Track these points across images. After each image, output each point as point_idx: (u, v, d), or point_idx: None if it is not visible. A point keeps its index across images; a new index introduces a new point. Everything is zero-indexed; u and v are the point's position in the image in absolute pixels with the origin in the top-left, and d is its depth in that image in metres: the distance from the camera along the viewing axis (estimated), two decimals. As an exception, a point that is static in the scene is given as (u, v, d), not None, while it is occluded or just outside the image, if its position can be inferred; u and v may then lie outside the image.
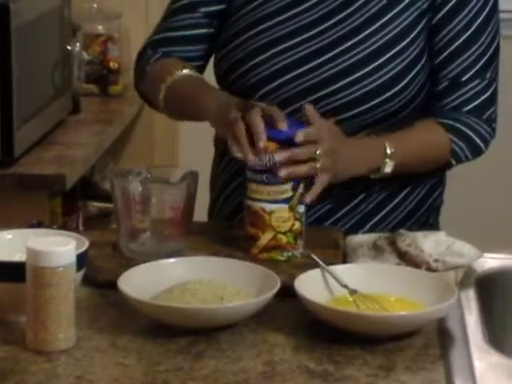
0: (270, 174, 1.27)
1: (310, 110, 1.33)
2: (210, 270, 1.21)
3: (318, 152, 1.29)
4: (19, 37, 1.91)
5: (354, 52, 1.41)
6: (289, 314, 1.17)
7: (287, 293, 1.16)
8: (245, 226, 1.30)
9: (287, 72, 1.42)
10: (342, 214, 1.46)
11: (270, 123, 1.28)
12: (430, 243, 1.27)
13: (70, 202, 2.15)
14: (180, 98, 1.45)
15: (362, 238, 1.33)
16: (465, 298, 1.22)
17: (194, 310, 1.12)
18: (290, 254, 1.29)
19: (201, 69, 1.52)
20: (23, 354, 1.08)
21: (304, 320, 1.15)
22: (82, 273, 1.16)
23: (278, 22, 1.43)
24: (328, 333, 1.12)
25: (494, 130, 1.48)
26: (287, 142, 1.27)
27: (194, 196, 1.31)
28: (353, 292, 1.17)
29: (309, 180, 1.30)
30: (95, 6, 2.59)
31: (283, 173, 1.26)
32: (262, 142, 1.25)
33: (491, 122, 1.47)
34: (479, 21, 1.44)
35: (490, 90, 1.46)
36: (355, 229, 1.44)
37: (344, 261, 1.30)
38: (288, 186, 1.28)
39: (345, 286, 1.18)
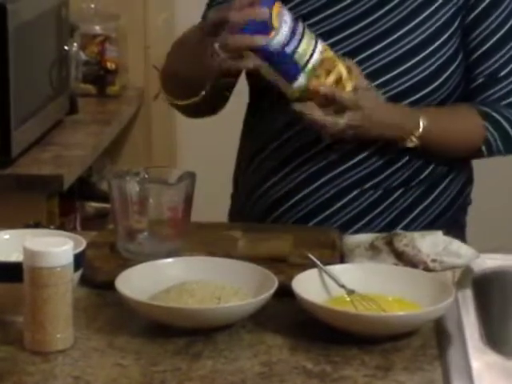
0: None
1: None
2: (207, 271, 1.21)
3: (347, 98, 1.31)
4: (16, 37, 1.91)
5: (389, 51, 1.43)
6: (286, 314, 1.17)
7: (285, 293, 1.16)
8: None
9: None
10: (377, 213, 1.47)
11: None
12: (427, 243, 1.27)
13: (67, 203, 2.15)
14: (171, 71, 1.51)
15: (359, 238, 1.33)
16: (462, 298, 1.22)
17: (192, 311, 1.12)
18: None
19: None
20: (21, 355, 1.08)
21: (301, 320, 1.15)
22: (79, 273, 1.16)
23: (313, 23, 1.43)
24: (325, 333, 1.12)
25: None
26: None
27: (191, 196, 1.31)
28: (350, 292, 1.17)
29: None
30: (93, 6, 2.59)
31: (297, 107, 1.27)
32: None
33: None
34: None
35: None
36: (390, 227, 1.44)
37: (341, 261, 1.30)
38: None
39: (342, 286, 1.18)
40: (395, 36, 1.43)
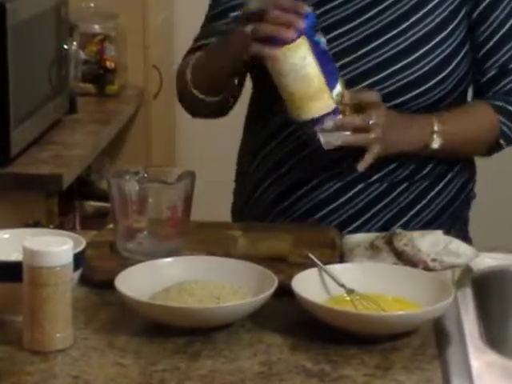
0: None
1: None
2: (206, 270, 1.20)
3: (372, 122, 1.32)
4: (15, 36, 1.91)
5: (392, 45, 1.43)
6: (286, 313, 1.17)
7: (284, 292, 1.15)
8: None
9: None
10: (381, 206, 1.47)
11: None
12: (427, 243, 1.27)
13: (66, 202, 2.15)
14: (201, 65, 1.47)
15: (359, 238, 1.33)
16: (462, 297, 1.22)
17: (191, 310, 1.12)
18: None
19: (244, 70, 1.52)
20: (20, 354, 1.07)
21: (301, 320, 1.15)
22: (78, 272, 1.16)
23: (317, 16, 1.41)
24: (325, 332, 1.12)
25: None
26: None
27: (191, 196, 1.31)
28: (350, 291, 1.17)
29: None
30: (92, 5, 2.59)
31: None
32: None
33: None
34: None
35: None
36: (394, 220, 1.45)
37: (341, 260, 1.30)
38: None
39: (342, 286, 1.18)
40: (398, 30, 1.43)
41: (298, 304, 1.15)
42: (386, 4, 1.44)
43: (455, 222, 1.49)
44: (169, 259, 1.24)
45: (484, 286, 1.28)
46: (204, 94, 1.50)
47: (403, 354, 1.09)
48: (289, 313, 1.17)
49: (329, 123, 1.32)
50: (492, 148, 1.50)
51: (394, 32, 1.43)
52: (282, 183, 1.50)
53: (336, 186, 1.47)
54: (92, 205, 2.34)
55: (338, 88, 1.34)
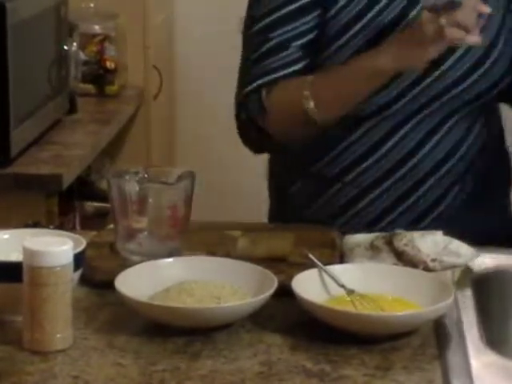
0: None
1: None
2: (206, 270, 1.20)
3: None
4: (15, 36, 1.91)
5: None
6: (286, 313, 1.17)
7: (284, 293, 1.16)
8: None
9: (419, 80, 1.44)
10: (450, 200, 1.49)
11: None
12: (427, 243, 1.27)
13: (66, 202, 2.15)
14: (333, 88, 1.42)
15: (359, 238, 1.33)
16: (462, 297, 1.22)
17: (191, 310, 1.12)
18: None
19: None
20: (19, 354, 1.07)
21: (301, 320, 1.15)
22: (78, 273, 1.16)
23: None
24: (325, 333, 1.12)
25: None
26: None
27: (191, 196, 1.31)
28: (350, 292, 1.17)
29: None
30: (92, 5, 2.59)
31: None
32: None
33: None
34: None
35: None
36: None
37: (341, 261, 1.30)
38: None
39: (342, 286, 1.18)
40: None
41: (298, 304, 1.15)
42: None
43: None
44: (169, 259, 1.24)
45: (484, 287, 1.28)
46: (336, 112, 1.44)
47: (403, 355, 1.09)
48: (289, 313, 1.17)
49: None
50: None
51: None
52: (343, 196, 1.50)
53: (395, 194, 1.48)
54: (92, 205, 2.34)
55: None
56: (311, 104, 1.41)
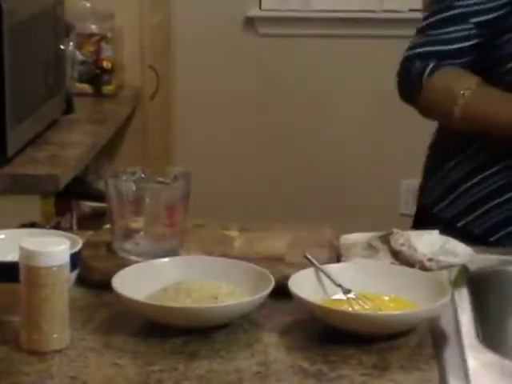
0: None
1: None
2: (204, 270, 1.20)
3: None
4: (12, 36, 1.91)
5: None
6: (283, 313, 1.17)
7: (281, 292, 1.16)
8: None
9: None
10: None
11: None
12: (423, 242, 1.27)
13: (63, 202, 2.15)
14: (477, 116, 1.45)
15: (356, 238, 1.33)
16: (458, 297, 1.22)
17: (188, 310, 1.12)
18: None
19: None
20: (17, 355, 1.07)
21: (298, 319, 1.15)
22: (75, 273, 1.16)
23: None
24: (322, 332, 1.12)
25: None
26: None
27: (187, 196, 1.31)
28: (347, 291, 1.18)
29: None
30: (88, 5, 2.58)
31: None
32: None
33: None
34: None
35: None
36: None
37: (338, 260, 1.30)
38: None
39: (339, 286, 1.18)
40: None
41: (295, 304, 1.15)
42: None
43: None
44: (166, 259, 1.24)
45: (480, 286, 1.28)
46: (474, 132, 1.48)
47: (400, 354, 1.09)
48: (286, 313, 1.17)
49: None
50: None
51: None
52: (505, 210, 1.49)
53: None
54: (89, 205, 2.34)
55: None
56: (458, 114, 1.45)
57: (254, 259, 1.25)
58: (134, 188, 1.28)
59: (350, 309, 1.14)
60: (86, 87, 2.53)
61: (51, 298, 1.07)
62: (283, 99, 3.16)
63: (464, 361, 1.07)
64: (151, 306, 1.12)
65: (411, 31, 1.56)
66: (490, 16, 1.47)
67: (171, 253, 1.27)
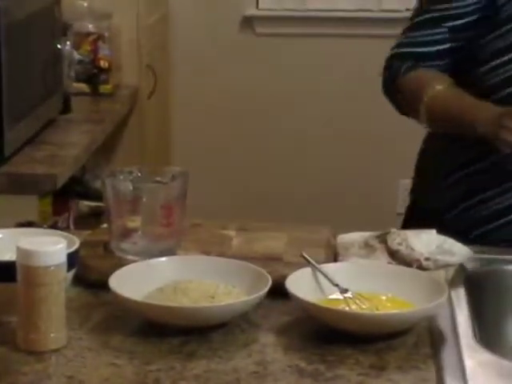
0: None
1: None
2: (201, 269, 1.20)
3: None
4: (9, 36, 1.91)
5: None
6: (280, 313, 1.17)
7: (279, 292, 1.16)
8: None
9: None
10: None
11: None
12: (420, 242, 1.27)
13: (60, 201, 2.15)
14: (442, 114, 1.46)
15: (353, 237, 1.33)
16: (455, 296, 1.22)
17: (186, 309, 1.12)
18: None
19: None
20: (14, 355, 1.07)
21: (295, 319, 1.15)
22: (72, 272, 1.16)
23: None
24: (319, 332, 1.12)
25: None
26: None
27: (185, 195, 1.30)
28: (344, 291, 1.18)
29: None
30: (86, 4, 2.58)
31: None
32: None
33: None
34: None
35: None
36: None
37: (335, 259, 1.30)
38: None
39: (336, 285, 1.18)
40: None
41: (292, 303, 1.15)
42: None
43: None
44: (163, 259, 1.23)
45: (478, 285, 1.29)
46: (438, 130, 1.51)
47: (398, 354, 1.09)
48: (283, 312, 1.17)
49: None
50: None
51: None
52: (488, 206, 1.49)
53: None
54: (86, 204, 2.34)
55: None
56: (423, 111, 1.46)
57: (251, 259, 1.25)
58: (132, 187, 1.28)
59: (347, 308, 1.14)
60: (83, 86, 2.53)
61: (48, 297, 1.07)
62: (281, 98, 3.16)
63: (461, 360, 1.07)
64: (148, 306, 1.12)
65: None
66: (464, 21, 1.48)
67: (169, 252, 1.27)
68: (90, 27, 2.55)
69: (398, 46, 1.54)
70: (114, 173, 1.32)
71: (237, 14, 3.12)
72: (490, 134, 1.39)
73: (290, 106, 3.17)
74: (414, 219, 1.59)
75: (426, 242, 1.28)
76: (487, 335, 1.18)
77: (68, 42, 2.37)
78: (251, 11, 3.14)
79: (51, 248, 1.07)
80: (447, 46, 1.50)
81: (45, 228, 1.47)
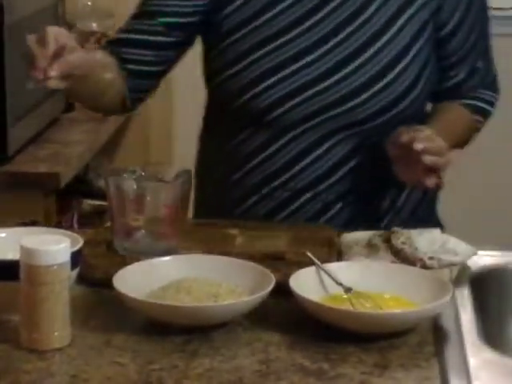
0: None
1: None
2: (204, 268, 1.20)
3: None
4: (12, 34, 1.91)
5: (369, 66, 1.43)
6: (283, 312, 1.17)
7: (282, 291, 1.15)
8: None
9: (300, 92, 1.43)
10: (364, 215, 1.49)
11: None
12: (424, 241, 1.27)
13: (64, 200, 2.15)
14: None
15: (356, 236, 1.33)
16: (459, 295, 1.22)
17: (189, 308, 1.12)
18: None
19: (160, 74, 1.53)
20: (17, 353, 1.07)
21: (299, 318, 1.15)
22: (76, 271, 1.16)
23: (285, 42, 1.43)
24: (323, 331, 1.12)
25: (499, 93, 1.59)
26: None
27: (188, 194, 1.30)
28: (348, 290, 1.17)
29: None
30: (89, 3, 2.58)
31: (428, 159, 1.30)
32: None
33: (499, 89, 1.59)
34: (480, 23, 1.52)
35: (493, 67, 1.57)
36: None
37: (339, 258, 1.30)
38: None
39: (340, 284, 1.18)
40: (368, 54, 1.43)
41: (295, 302, 1.15)
42: (351, 29, 1.43)
43: (428, 215, 1.55)
44: (166, 258, 1.23)
45: (482, 284, 1.28)
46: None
47: (401, 352, 1.09)
48: (286, 311, 1.17)
49: None
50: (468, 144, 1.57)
51: (364, 56, 1.43)
52: (250, 179, 1.49)
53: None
54: (90, 203, 2.34)
55: None
56: None
57: (254, 258, 1.25)
58: (135, 186, 1.28)
59: (351, 307, 1.14)
60: (86, 85, 2.53)
61: (51, 296, 1.07)
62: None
63: (465, 359, 1.07)
64: (152, 305, 1.12)
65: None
66: (184, 20, 1.48)
67: (172, 251, 1.27)
68: (94, 26, 2.55)
69: (119, 31, 1.55)
70: (118, 171, 1.32)
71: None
72: None
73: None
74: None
75: (429, 241, 1.27)
76: (491, 334, 1.18)
77: (71, 41, 2.37)
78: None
79: (54, 247, 1.07)
80: (159, 38, 1.48)
81: (48, 227, 1.45)
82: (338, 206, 1.48)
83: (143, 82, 1.52)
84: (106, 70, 1.46)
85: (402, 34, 1.44)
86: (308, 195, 1.47)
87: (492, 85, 1.57)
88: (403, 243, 1.27)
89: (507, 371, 1.06)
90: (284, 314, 1.17)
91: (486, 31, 1.54)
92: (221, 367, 1.05)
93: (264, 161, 1.48)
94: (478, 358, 1.07)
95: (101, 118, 2.36)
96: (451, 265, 1.27)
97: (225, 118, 1.51)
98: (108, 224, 1.35)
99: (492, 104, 1.56)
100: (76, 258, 1.14)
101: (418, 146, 1.31)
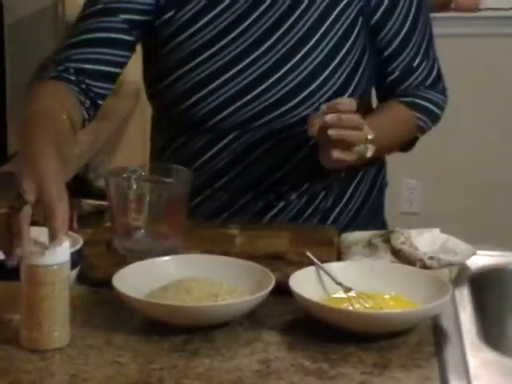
0: None
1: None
2: (204, 268, 1.21)
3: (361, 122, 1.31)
4: (13, 34, 1.91)
5: (297, 71, 1.42)
6: (283, 311, 1.17)
7: (282, 290, 1.16)
8: None
9: (236, 100, 1.43)
10: (308, 215, 1.49)
11: None
12: (424, 241, 1.27)
13: (64, 200, 2.15)
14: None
15: (356, 236, 1.33)
16: (459, 295, 1.22)
17: (189, 308, 1.12)
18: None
19: (114, 76, 1.49)
20: (17, 353, 1.07)
21: (299, 318, 1.15)
22: (76, 271, 1.16)
23: (216, 52, 1.43)
24: (323, 331, 1.12)
25: (447, 97, 1.56)
26: None
27: (188, 194, 1.31)
28: (347, 290, 1.18)
29: None
30: (89, 3, 2.58)
31: (333, 132, 1.27)
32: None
33: (444, 91, 1.56)
34: (413, 12, 1.49)
35: (436, 66, 1.54)
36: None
37: (338, 258, 1.30)
38: None
39: (339, 284, 1.18)
40: (298, 56, 1.42)
41: (295, 302, 1.15)
42: (278, 34, 1.43)
43: (373, 214, 1.55)
44: (166, 257, 1.24)
45: (481, 284, 1.29)
46: None
47: (401, 352, 1.09)
48: (286, 311, 1.17)
49: None
50: (411, 142, 1.55)
51: (295, 59, 1.42)
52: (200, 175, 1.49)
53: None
54: (89, 203, 2.34)
55: None
56: None
57: (254, 257, 1.25)
58: (135, 186, 1.28)
59: (351, 307, 1.14)
60: (86, 85, 2.52)
61: (51, 296, 1.07)
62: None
63: (464, 359, 1.07)
64: (152, 305, 1.12)
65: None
66: (141, 18, 1.44)
67: (172, 251, 1.27)
68: (94, 25, 2.55)
69: (60, 44, 1.46)
70: (118, 171, 1.32)
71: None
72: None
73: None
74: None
75: (429, 241, 1.28)
76: (491, 334, 1.18)
77: (71, 41, 2.37)
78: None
79: (54, 247, 1.07)
80: (121, 36, 1.43)
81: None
82: (281, 204, 1.48)
83: (104, 85, 1.47)
84: (74, 144, 1.43)
85: (329, 37, 1.43)
86: (249, 196, 1.48)
87: (435, 86, 1.53)
88: (403, 243, 1.27)
89: (507, 371, 1.06)
90: (284, 314, 1.17)
91: (424, 30, 1.51)
92: (221, 367, 1.05)
93: (206, 163, 1.48)
94: (478, 357, 1.07)
95: (100, 117, 2.36)
96: (451, 265, 1.27)
97: (166, 121, 1.51)
98: (108, 224, 1.35)
99: (438, 105, 1.53)
100: (76, 257, 1.14)
101: (327, 117, 1.28)
